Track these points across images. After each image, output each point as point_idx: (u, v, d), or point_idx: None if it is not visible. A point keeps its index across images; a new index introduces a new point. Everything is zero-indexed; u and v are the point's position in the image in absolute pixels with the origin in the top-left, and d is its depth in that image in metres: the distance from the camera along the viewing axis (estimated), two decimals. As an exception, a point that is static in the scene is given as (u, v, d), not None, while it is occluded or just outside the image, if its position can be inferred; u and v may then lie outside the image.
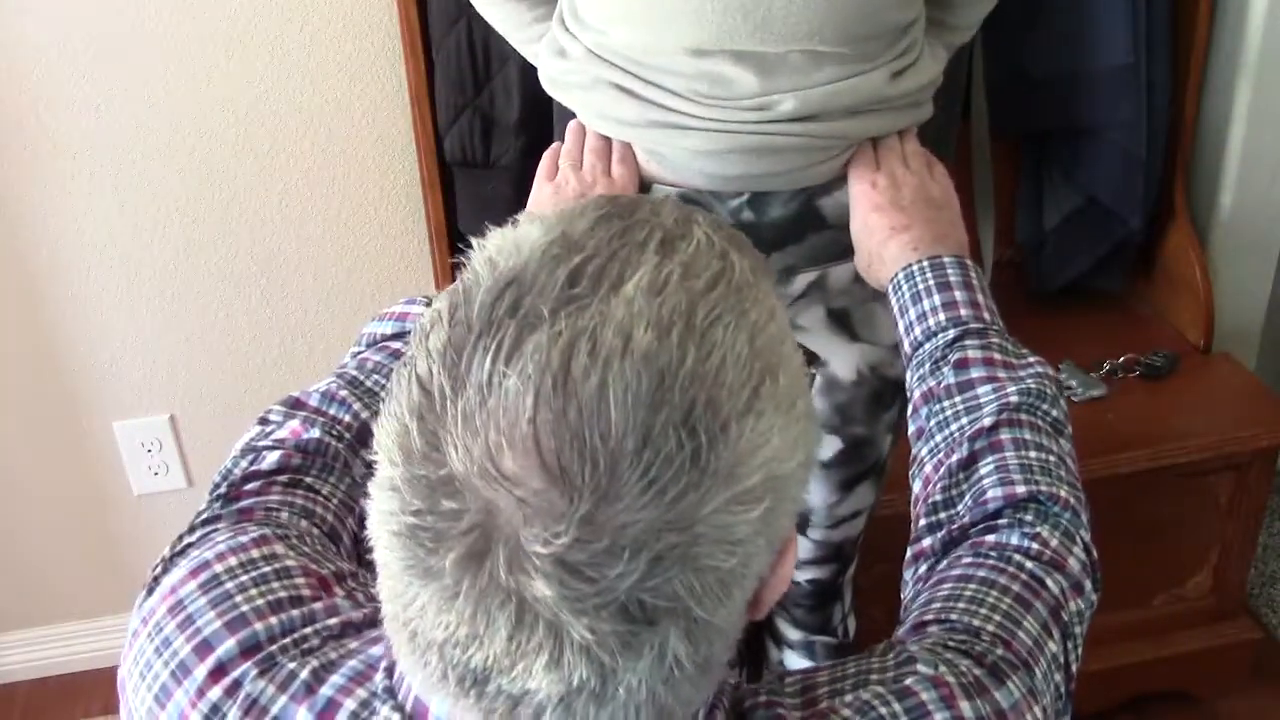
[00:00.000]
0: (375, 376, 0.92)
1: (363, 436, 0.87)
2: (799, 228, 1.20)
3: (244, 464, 0.84)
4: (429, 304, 0.98)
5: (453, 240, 1.68)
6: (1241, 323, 1.94)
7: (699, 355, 0.54)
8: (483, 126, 1.61)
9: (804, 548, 1.42)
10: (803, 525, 1.40)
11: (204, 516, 0.80)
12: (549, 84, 1.22)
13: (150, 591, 0.74)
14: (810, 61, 1.10)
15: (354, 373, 0.93)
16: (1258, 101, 1.78)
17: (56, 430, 1.88)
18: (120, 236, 1.74)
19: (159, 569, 0.75)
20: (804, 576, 1.45)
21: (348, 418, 0.89)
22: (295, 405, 0.90)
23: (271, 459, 0.84)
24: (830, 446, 1.33)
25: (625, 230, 0.58)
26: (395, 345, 0.96)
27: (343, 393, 0.90)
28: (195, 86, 1.67)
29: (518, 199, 1.39)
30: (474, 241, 0.61)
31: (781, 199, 1.18)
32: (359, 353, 0.99)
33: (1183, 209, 1.84)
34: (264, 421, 0.89)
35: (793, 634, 1.51)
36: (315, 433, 0.86)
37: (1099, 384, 1.76)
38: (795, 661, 1.53)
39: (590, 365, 0.52)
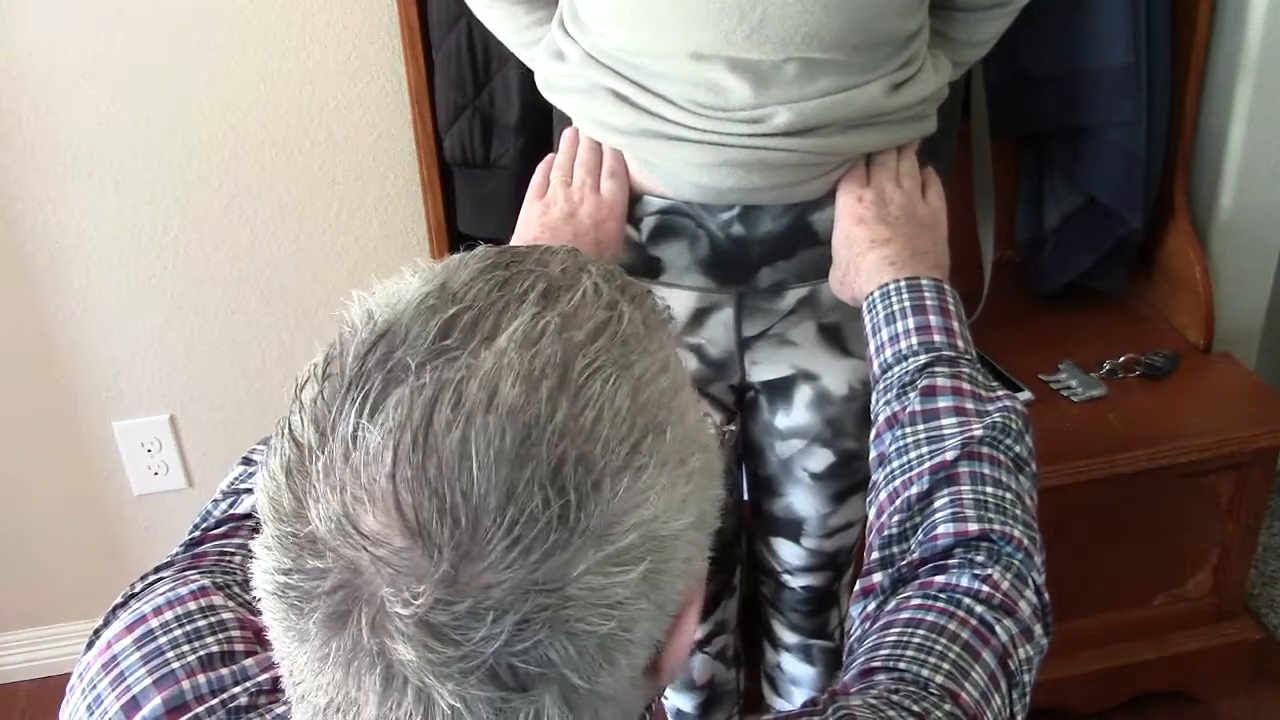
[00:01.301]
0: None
1: None
2: (790, 243, 1.20)
3: (223, 506, 0.83)
4: None
5: (453, 240, 1.68)
6: (1241, 323, 1.93)
7: (572, 410, 0.51)
8: (483, 126, 1.61)
9: (797, 555, 1.42)
10: (796, 534, 1.40)
11: (164, 561, 0.79)
12: (545, 87, 1.22)
13: (90, 646, 0.74)
14: (806, 72, 1.09)
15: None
16: (1258, 101, 1.78)
17: (56, 430, 1.88)
18: (120, 236, 1.74)
19: (101, 624, 0.75)
20: (799, 583, 1.45)
21: None
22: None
23: (248, 502, 0.83)
24: (822, 460, 1.33)
25: (506, 281, 0.56)
26: None
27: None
28: (195, 86, 1.67)
29: (517, 199, 1.39)
30: (356, 295, 0.59)
31: (773, 213, 1.18)
32: None
33: (1183, 209, 1.84)
34: (247, 461, 0.88)
35: (790, 638, 1.51)
36: None
37: (1099, 384, 1.76)
38: (792, 665, 1.53)
39: (453, 419, 0.50)
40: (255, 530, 0.80)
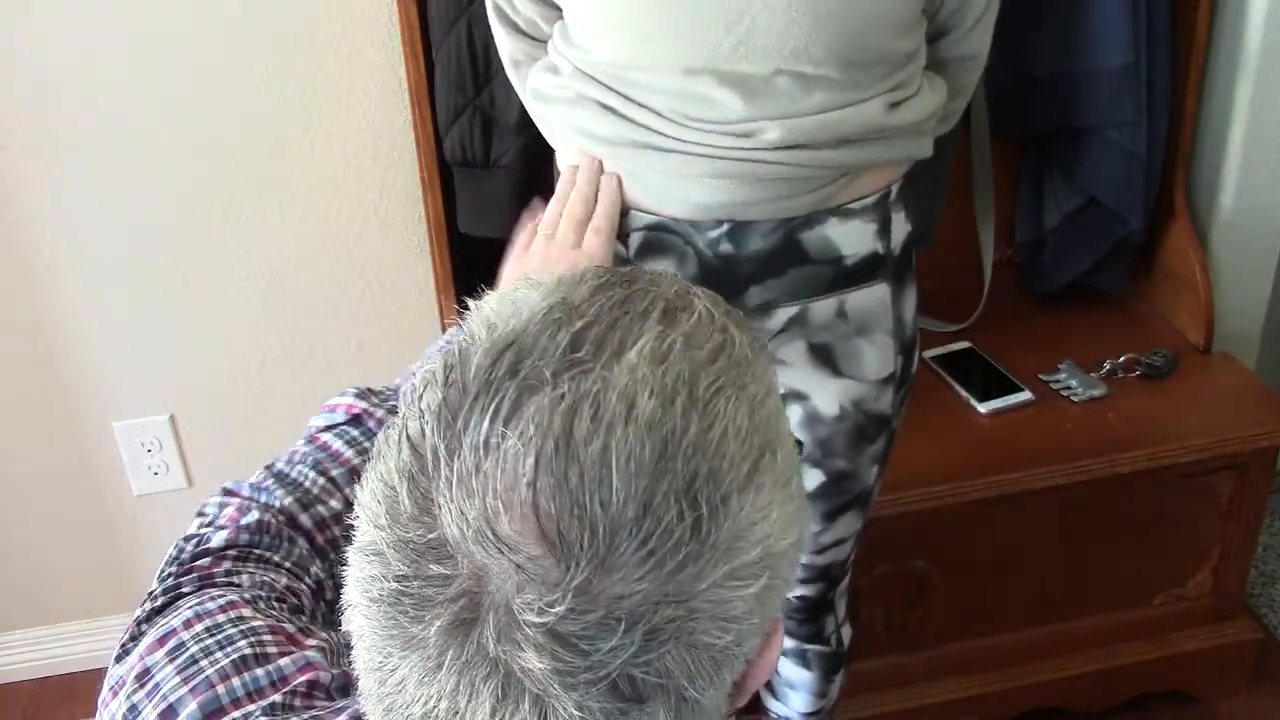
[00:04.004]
0: (300, 467, 0.91)
1: (292, 521, 0.87)
2: (779, 261, 1.18)
3: (190, 547, 0.83)
4: (359, 394, 0.96)
5: (453, 240, 1.68)
6: (1241, 323, 1.94)
7: (702, 425, 0.53)
8: (483, 126, 1.60)
9: None
10: None
11: (163, 588, 0.79)
12: (535, 97, 1.21)
13: (119, 660, 0.74)
14: (798, 86, 1.08)
15: (282, 466, 0.92)
16: (1258, 101, 1.78)
17: (56, 430, 1.88)
18: (120, 236, 1.74)
19: (128, 638, 0.75)
20: (793, 593, 1.44)
21: (278, 504, 0.88)
22: (228, 494, 0.90)
23: (219, 538, 0.83)
24: (812, 480, 1.32)
25: (627, 299, 0.57)
26: (324, 437, 0.94)
27: (269, 483, 0.90)
28: (195, 86, 1.67)
29: (517, 199, 1.38)
30: (470, 302, 0.59)
31: (761, 231, 1.16)
32: (293, 449, 0.98)
33: (1183, 209, 1.84)
34: (201, 514, 0.88)
35: (785, 642, 1.51)
36: (253, 515, 0.86)
37: (1099, 384, 1.76)
38: (788, 668, 1.53)
39: (593, 429, 0.51)
40: (238, 559, 0.80)
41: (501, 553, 0.50)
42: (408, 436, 0.54)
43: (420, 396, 0.55)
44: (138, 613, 0.77)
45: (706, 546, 0.51)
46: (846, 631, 1.52)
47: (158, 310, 1.81)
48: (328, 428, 0.94)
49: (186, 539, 0.85)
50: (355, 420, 0.94)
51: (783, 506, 0.55)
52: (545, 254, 1.14)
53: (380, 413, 0.95)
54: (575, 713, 0.51)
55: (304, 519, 0.87)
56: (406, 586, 0.52)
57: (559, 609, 0.50)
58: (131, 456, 1.91)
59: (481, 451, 0.52)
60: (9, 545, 1.96)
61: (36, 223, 1.72)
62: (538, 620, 0.50)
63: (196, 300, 1.81)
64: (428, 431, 0.53)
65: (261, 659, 0.71)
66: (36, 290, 1.77)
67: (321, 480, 0.90)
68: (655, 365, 0.53)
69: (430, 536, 0.52)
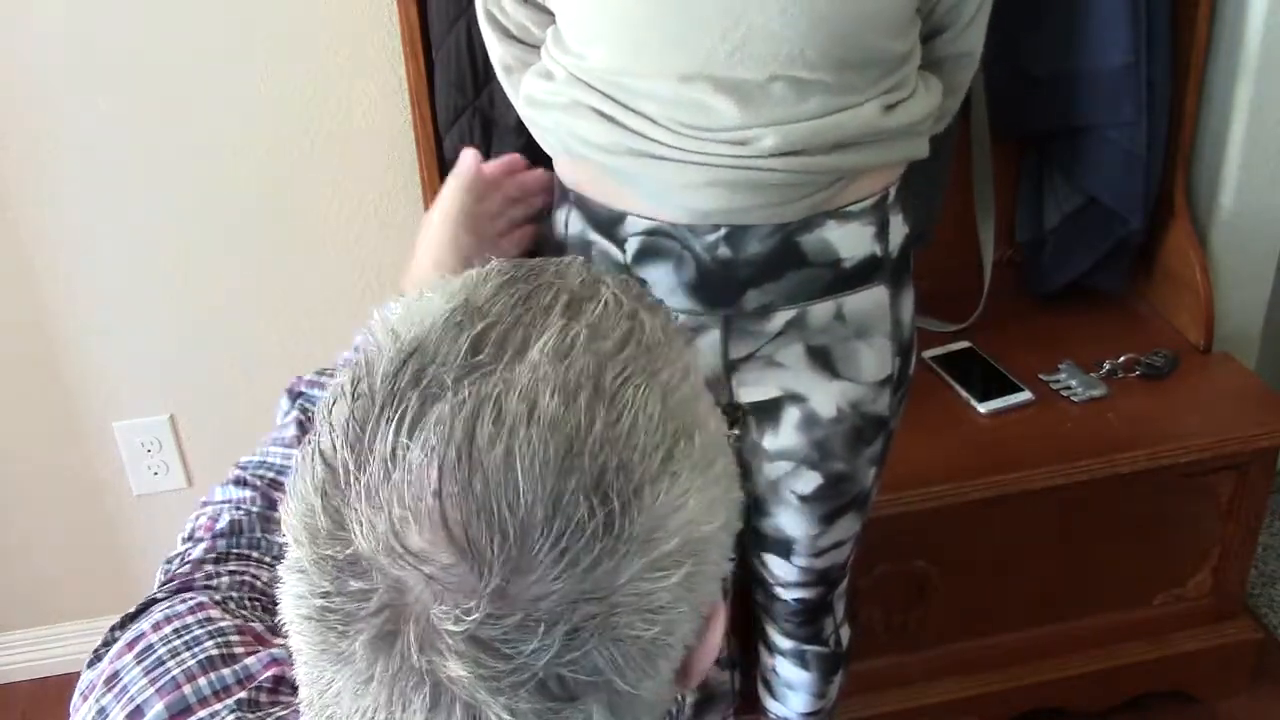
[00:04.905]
0: (261, 448, 0.93)
1: (268, 500, 0.88)
2: (777, 265, 1.18)
3: (174, 566, 0.84)
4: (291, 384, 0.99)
5: (453, 240, 1.68)
6: (1241, 323, 1.94)
7: (608, 418, 0.52)
8: (483, 126, 1.60)
9: (789, 571, 1.41)
10: (786, 553, 1.39)
11: (147, 599, 0.80)
12: (528, 103, 1.20)
13: (91, 665, 0.75)
14: (794, 92, 1.08)
15: (247, 457, 0.93)
16: (1258, 101, 1.78)
17: (56, 430, 1.88)
18: (120, 236, 1.74)
19: (101, 644, 0.76)
20: (791, 596, 1.44)
21: (249, 495, 0.89)
22: (203, 505, 0.91)
23: (198, 550, 0.84)
24: (810, 482, 1.32)
25: (529, 294, 0.56)
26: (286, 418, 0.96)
27: (236, 472, 0.91)
28: (195, 87, 1.67)
29: (518, 199, 1.36)
30: (377, 312, 0.58)
31: (759, 235, 1.16)
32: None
33: (1183, 209, 1.84)
34: (182, 531, 0.90)
35: (784, 643, 1.51)
36: (225, 519, 0.87)
37: (1099, 384, 1.76)
38: (787, 669, 1.53)
39: (495, 434, 0.50)
40: (217, 562, 0.81)
41: (413, 565, 0.50)
42: (320, 451, 0.53)
43: (330, 410, 0.55)
44: (116, 620, 0.77)
45: (621, 541, 0.51)
46: (845, 632, 1.52)
47: (158, 310, 1.81)
48: (280, 428, 0.96)
49: (169, 560, 0.85)
50: (292, 397, 0.96)
51: (703, 492, 0.54)
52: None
53: (309, 375, 0.96)
54: (506, 716, 0.51)
55: (278, 495, 0.87)
56: (330, 603, 0.52)
57: (476, 616, 0.49)
58: (131, 456, 1.91)
59: (389, 463, 0.51)
60: (9, 545, 1.96)
61: (36, 223, 1.72)
62: (456, 629, 0.50)
63: (196, 300, 1.81)
64: (338, 445, 0.53)
65: (228, 659, 0.71)
66: (36, 290, 1.77)
67: (282, 450, 0.91)
68: (558, 361, 0.53)
69: (347, 552, 0.52)
